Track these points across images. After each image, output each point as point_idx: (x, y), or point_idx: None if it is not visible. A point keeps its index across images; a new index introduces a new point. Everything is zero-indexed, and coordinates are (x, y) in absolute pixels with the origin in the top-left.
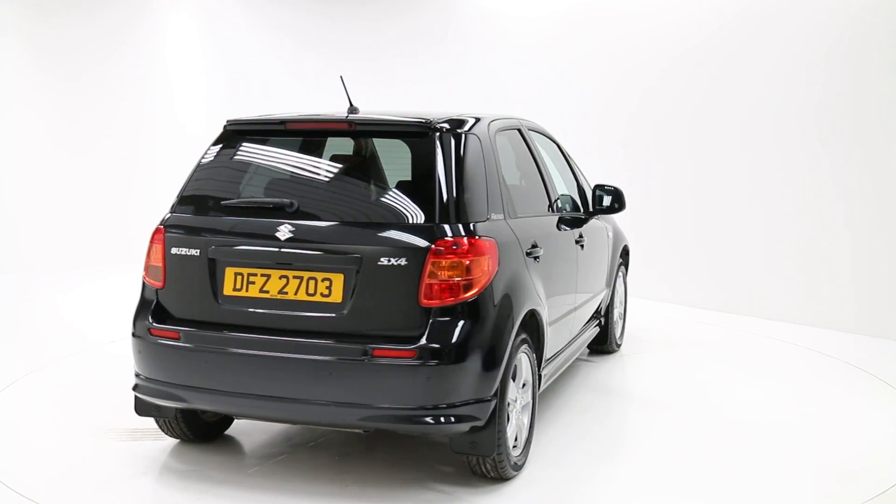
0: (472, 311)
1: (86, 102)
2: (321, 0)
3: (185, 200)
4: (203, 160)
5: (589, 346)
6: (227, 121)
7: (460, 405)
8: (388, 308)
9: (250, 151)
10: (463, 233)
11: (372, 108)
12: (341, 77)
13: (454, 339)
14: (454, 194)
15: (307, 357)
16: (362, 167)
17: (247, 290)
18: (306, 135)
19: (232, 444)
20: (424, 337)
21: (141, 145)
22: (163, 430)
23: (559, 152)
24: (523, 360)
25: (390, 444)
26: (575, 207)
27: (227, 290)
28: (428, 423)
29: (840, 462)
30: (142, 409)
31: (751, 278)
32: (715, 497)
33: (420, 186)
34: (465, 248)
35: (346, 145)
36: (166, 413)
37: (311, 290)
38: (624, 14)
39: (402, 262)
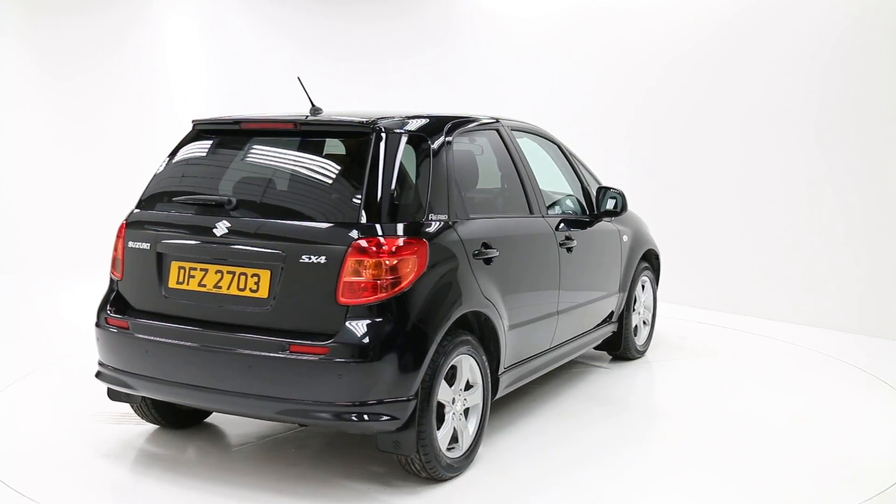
0: (390, 310)
1: (86, 102)
2: (322, 0)
3: (148, 197)
4: (169, 158)
5: (607, 353)
6: (193, 120)
7: (375, 404)
8: (308, 305)
9: (210, 150)
10: (383, 233)
11: (355, 109)
12: (299, 78)
13: (367, 339)
14: (379, 195)
15: (233, 350)
16: (303, 167)
17: (188, 284)
18: (258, 134)
19: (212, 432)
20: (339, 334)
21: (142, 145)
22: (139, 416)
23: (561, 154)
24: (465, 363)
25: (349, 440)
26: (582, 210)
27: (172, 282)
28: (342, 420)
29: (840, 462)
30: (113, 395)
31: (750, 278)
32: (714, 497)
33: (350, 186)
34: (384, 248)
35: (303, 145)
36: (134, 399)
37: (241, 286)
38: (626, 13)
39: (322, 260)
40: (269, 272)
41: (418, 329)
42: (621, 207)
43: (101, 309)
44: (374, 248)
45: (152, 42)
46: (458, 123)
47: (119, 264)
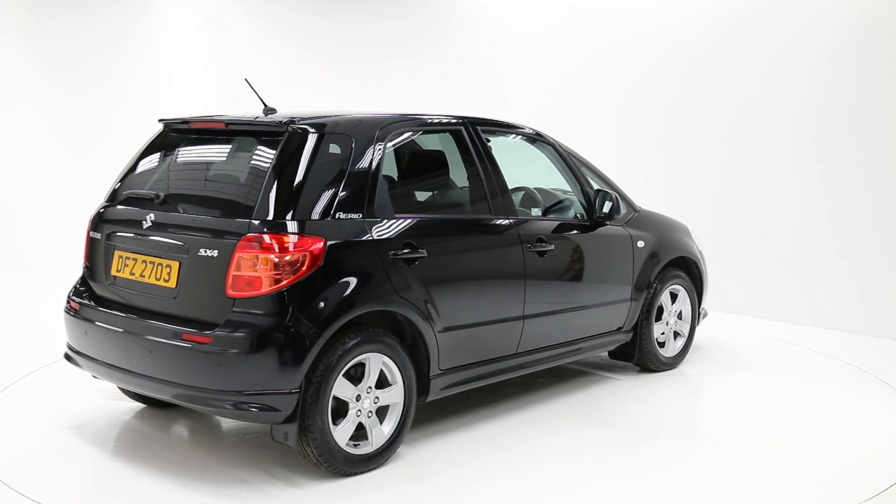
0: (273, 305)
1: (87, 103)
2: (322, 1)
3: (112, 191)
4: (135, 155)
5: (621, 361)
6: (159, 119)
7: (255, 395)
8: (205, 296)
9: (165, 148)
10: (272, 229)
11: (314, 110)
12: (246, 79)
13: (246, 331)
14: (276, 192)
15: (142, 335)
16: (225, 165)
17: (124, 272)
18: (200, 133)
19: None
20: (221, 326)
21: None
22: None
23: (557, 156)
24: (375, 361)
25: None
26: (586, 212)
27: (114, 270)
28: (226, 408)
29: (840, 462)
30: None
31: (750, 278)
32: (714, 497)
33: (253, 184)
34: (270, 244)
35: (230, 144)
36: None
37: (158, 275)
38: (629, 12)
39: (215, 253)
40: (178, 263)
41: (303, 325)
42: (611, 211)
43: (70, 292)
44: (260, 244)
45: (152, 42)
46: (395, 124)
47: (84, 252)
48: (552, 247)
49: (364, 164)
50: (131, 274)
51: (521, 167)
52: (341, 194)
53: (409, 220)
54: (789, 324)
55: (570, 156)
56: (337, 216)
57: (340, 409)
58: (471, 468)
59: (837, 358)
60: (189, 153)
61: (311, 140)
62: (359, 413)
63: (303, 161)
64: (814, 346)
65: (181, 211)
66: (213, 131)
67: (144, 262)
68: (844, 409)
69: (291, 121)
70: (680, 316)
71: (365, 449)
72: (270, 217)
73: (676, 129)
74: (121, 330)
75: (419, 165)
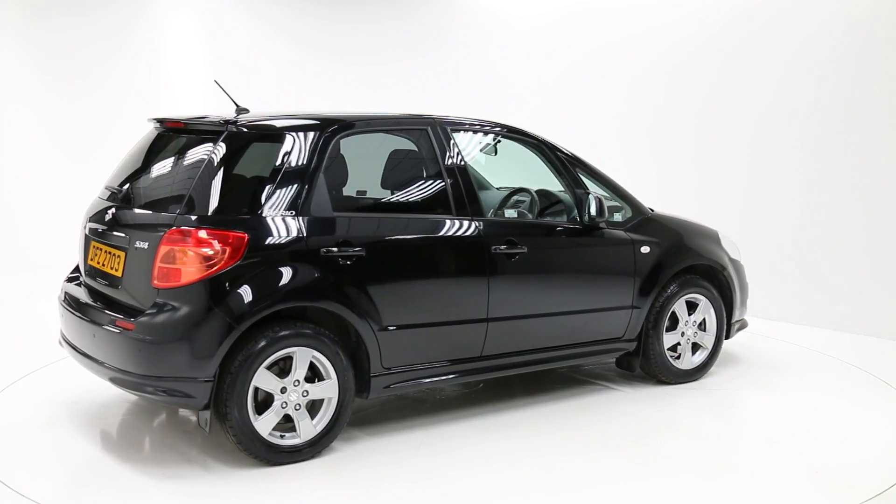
0: (190, 297)
1: (87, 102)
2: (323, 2)
3: (103, 187)
4: (127, 152)
5: (628, 371)
6: (149, 119)
7: (173, 380)
8: (138, 285)
9: (144, 145)
10: (194, 224)
11: (290, 110)
12: (216, 80)
13: (161, 320)
14: (202, 188)
15: (92, 320)
16: (177, 162)
17: (94, 261)
18: (172, 132)
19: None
20: (142, 314)
21: None
22: None
23: (547, 158)
24: (302, 355)
25: None
26: (579, 215)
27: (89, 260)
28: (149, 392)
29: (840, 462)
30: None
31: (750, 278)
32: (713, 497)
33: (188, 180)
34: (188, 239)
35: (189, 143)
36: None
37: (112, 265)
38: (631, 11)
39: (146, 245)
40: (123, 254)
41: (217, 316)
42: (598, 214)
43: (63, 279)
44: (182, 237)
45: (152, 42)
46: (348, 124)
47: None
48: (524, 249)
49: (302, 163)
50: (98, 263)
51: (530, 168)
52: (273, 192)
53: (347, 219)
54: (789, 324)
55: (561, 157)
56: (266, 213)
57: (271, 400)
58: (396, 468)
59: (837, 358)
60: (152, 151)
61: (244, 139)
62: (284, 405)
63: (232, 159)
64: (814, 346)
65: (131, 205)
66: (174, 130)
67: (106, 252)
68: (844, 409)
69: (228, 121)
70: (703, 327)
71: (293, 440)
72: (196, 212)
73: (684, 128)
74: (79, 315)
75: (372, 166)
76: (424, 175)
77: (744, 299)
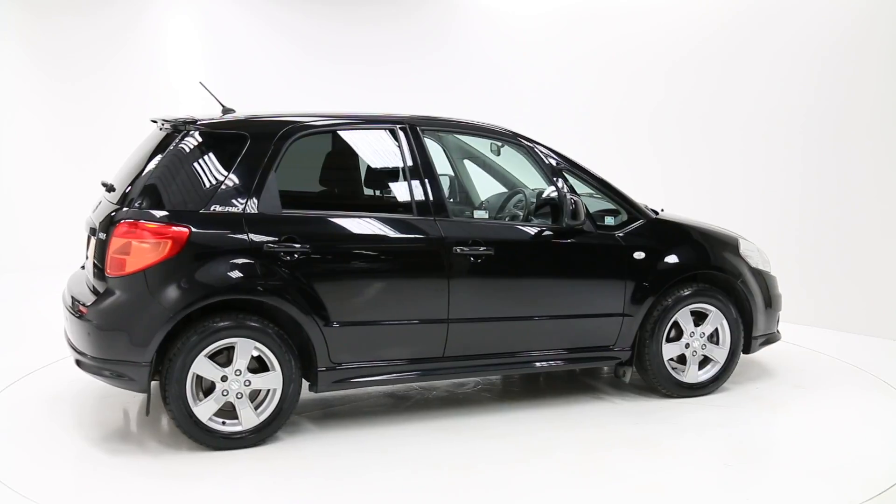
0: (131, 286)
1: (87, 103)
2: (323, 2)
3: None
4: (132, 152)
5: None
6: (152, 119)
7: (116, 363)
8: (99, 273)
9: (140, 144)
10: (139, 217)
11: (272, 110)
12: (201, 82)
13: (104, 306)
14: (148, 184)
15: (73, 306)
16: (150, 159)
17: (88, 251)
18: (159, 131)
19: None
20: (94, 301)
21: None
22: None
23: (532, 157)
24: (244, 346)
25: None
26: (572, 217)
27: (88, 250)
28: (104, 375)
29: (840, 462)
30: None
31: None
32: (713, 497)
33: (143, 176)
34: (132, 231)
35: (164, 141)
36: None
37: (94, 255)
38: (632, 8)
39: (104, 236)
40: (95, 244)
41: (155, 305)
42: (570, 218)
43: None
44: (128, 229)
45: (152, 43)
46: (307, 124)
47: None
48: (491, 251)
49: (254, 161)
50: (90, 257)
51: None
52: (221, 188)
53: (294, 216)
54: (789, 324)
55: (540, 154)
56: (212, 208)
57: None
58: (328, 462)
59: (837, 358)
60: (145, 148)
61: (200, 139)
62: (225, 393)
63: (187, 158)
64: (814, 346)
65: (108, 200)
66: (157, 130)
67: (92, 242)
68: (844, 409)
69: (188, 121)
70: (715, 339)
71: (235, 427)
72: (146, 206)
73: (686, 127)
74: (68, 307)
75: (330, 165)
76: (386, 175)
77: (772, 312)
